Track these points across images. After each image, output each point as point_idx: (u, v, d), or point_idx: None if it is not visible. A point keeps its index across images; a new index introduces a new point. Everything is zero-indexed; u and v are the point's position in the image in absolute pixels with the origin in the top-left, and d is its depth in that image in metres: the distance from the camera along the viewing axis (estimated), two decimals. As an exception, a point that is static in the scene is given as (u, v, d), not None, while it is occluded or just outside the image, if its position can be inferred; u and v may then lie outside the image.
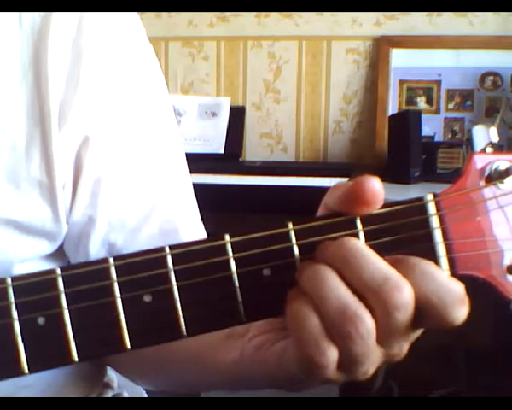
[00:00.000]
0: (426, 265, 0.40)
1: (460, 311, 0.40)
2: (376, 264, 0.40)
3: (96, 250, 0.62)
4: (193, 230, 0.66)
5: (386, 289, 0.39)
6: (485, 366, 1.84)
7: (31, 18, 0.57)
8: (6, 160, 0.56)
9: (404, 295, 0.39)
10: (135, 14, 0.64)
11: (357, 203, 0.41)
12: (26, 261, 0.60)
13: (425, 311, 0.40)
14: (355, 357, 0.40)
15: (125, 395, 0.74)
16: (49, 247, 0.61)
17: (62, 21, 0.57)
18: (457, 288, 0.40)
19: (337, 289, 0.39)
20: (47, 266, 0.62)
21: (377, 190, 0.41)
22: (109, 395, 0.72)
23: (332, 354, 0.40)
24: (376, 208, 0.42)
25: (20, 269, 0.59)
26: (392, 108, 2.11)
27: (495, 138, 1.69)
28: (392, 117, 2.03)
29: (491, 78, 2.05)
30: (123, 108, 0.61)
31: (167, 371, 0.64)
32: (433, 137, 2.09)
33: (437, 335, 0.42)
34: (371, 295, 0.39)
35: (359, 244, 0.41)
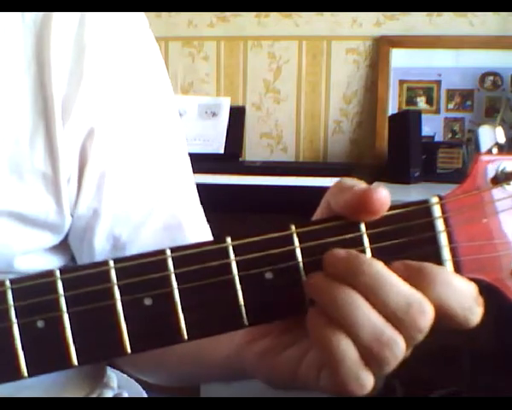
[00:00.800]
0: (444, 274, 0.40)
1: (477, 312, 0.41)
2: (399, 289, 0.40)
3: (100, 244, 0.62)
4: (197, 225, 0.66)
5: (411, 313, 0.39)
6: (486, 366, 1.84)
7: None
8: (9, 150, 0.56)
9: (427, 318, 0.39)
10: (139, 12, 0.64)
11: (364, 212, 0.41)
12: (28, 253, 0.60)
13: (445, 318, 0.40)
14: (385, 373, 0.40)
15: (125, 395, 0.73)
16: (53, 239, 0.61)
17: (64, 15, 0.57)
18: (473, 290, 0.41)
19: (370, 316, 0.39)
20: (50, 258, 0.62)
21: (385, 200, 0.41)
22: (109, 395, 0.71)
23: (369, 382, 0.40)
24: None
25: (23, 261, 0.59)
26: (392, 108, 2.11)
27: (501, 139, 1.67)
28: (392, 117, 2.03)
29: (491, 78, 2.05)
30: (127, 103, 0.61)
31: (168, 367, 0.64)
32: (433, 137, 2.09)
33: (440, 336, 0.42)
34: (396, 321, 0.40)
35: (384, 270, 0.40)
